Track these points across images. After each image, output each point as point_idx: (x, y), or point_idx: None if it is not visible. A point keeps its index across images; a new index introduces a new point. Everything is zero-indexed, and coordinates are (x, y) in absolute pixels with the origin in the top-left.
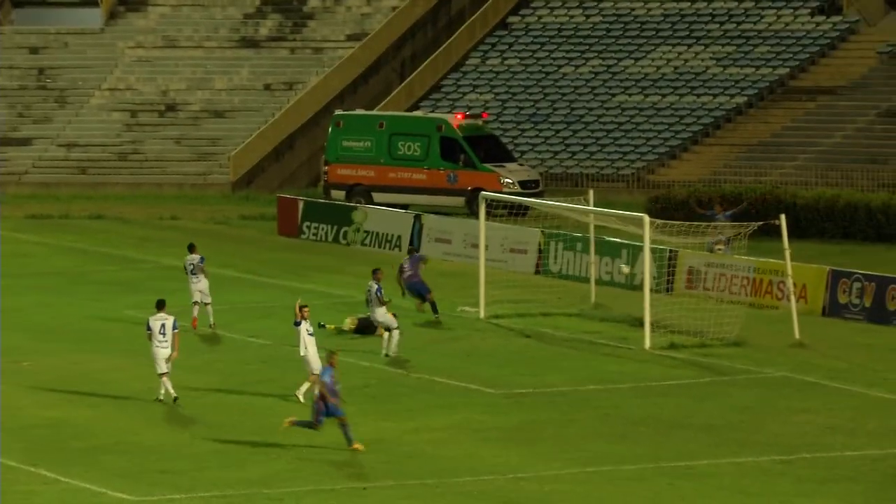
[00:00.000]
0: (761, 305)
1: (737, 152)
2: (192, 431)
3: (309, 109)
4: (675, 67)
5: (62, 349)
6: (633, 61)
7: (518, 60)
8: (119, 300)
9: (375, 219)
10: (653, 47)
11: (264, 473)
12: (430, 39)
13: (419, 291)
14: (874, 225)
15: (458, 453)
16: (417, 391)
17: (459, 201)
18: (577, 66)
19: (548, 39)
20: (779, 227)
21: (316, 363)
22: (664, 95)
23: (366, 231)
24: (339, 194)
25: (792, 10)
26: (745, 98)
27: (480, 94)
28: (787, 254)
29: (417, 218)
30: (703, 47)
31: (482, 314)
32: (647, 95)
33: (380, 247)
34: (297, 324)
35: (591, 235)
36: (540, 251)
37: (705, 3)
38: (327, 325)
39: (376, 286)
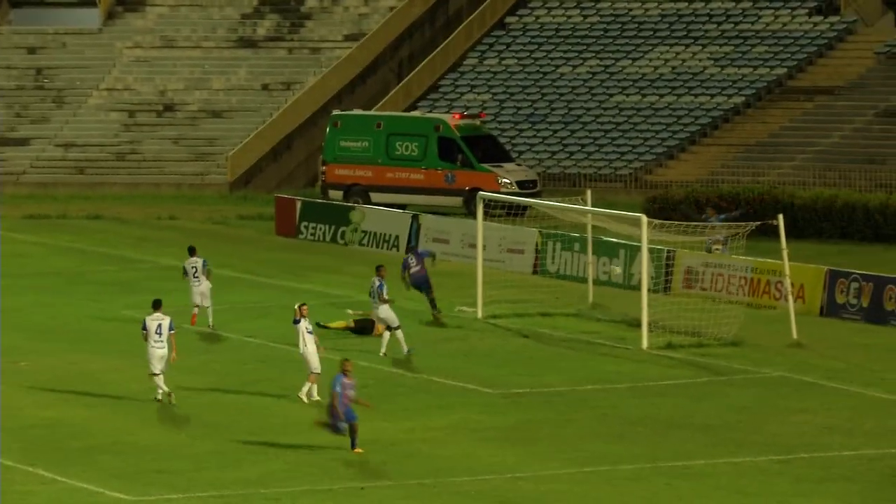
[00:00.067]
0: (759, 305)
1: (734, 152)
2: (189, 431)
3: (307, 109)
4: (673, 68)
5: (60, 349)
6: (630, 61)
7: (516, 61)
8: (117, 300)
9: (373, 219)
10: (650, 47)
11: (261, 473)
12: (427, 39)
13: (424, 286)
14: (872, 225)
15: (456, 453)
16: (415, 391)
17: (457, 201)
18: (574, 67)
19: (545, 40)
20: (776, 227)
21: (315, 361)
22: (662, 96)
23: (363, 231)
24: (336, 194)
25: (789, 11)
26: (743, 98)
27: (478, 94)
28: (785, 254)
29: (415, 218)
30: (700, 47)
31: (480, 314)
32: (644, 96)
33: (377, 247)
34: (297, 322)
35: (589, 235)
36: (537, 251)
37: (703, 4)
38: (330, 325)
39: (378, 282)
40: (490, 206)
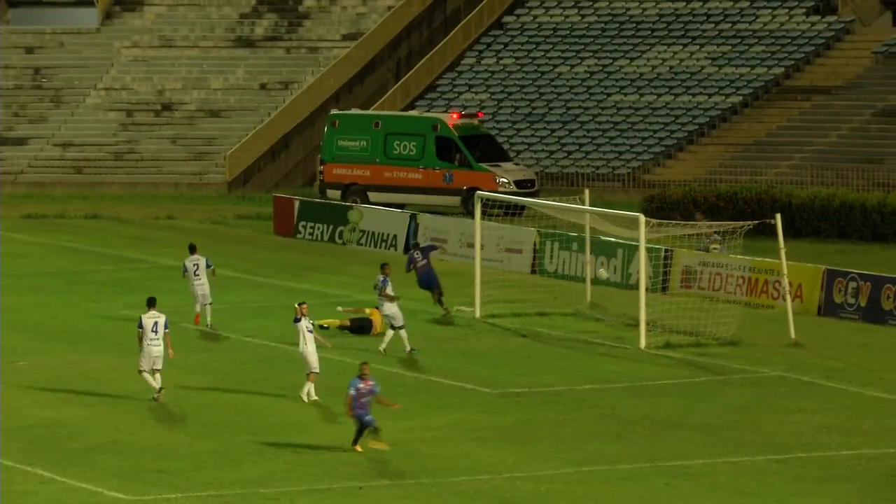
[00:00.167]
0: (757, 305)
1: (732, 152)
2: (188, 431)
3: (305, 109)
4: (671, 67)
5: (59, 349)
6: (628, 61)
7: (513, 60)
8: (115, 300)
9: (371, 218)
10: (648, 47)
11: (260, 473)
12: (425, 39)
13: (432, 283)
14: (869, 224)
15: (455, 453)
16: (414, 391)
17: (455, 201)
18: (572, 66)
19: (543, 39)
20: (774, 227)
21: (314, 361)
22: (660, 95)
23: (361, 230)
24: (334, 194)
25: (787, 10)
26: (741, 97)
27: (476, 93)
28: (783, 253)
29: (413, 217)
30: (698, 47)
31: (478, 314)
32: (642, 95)
33: (375, 246)
34: (297, 320)
35: (587, 235)
36: (535, 251)
37: (700, 3)
38: (327, 324)
39: (383, 279)
40: (488, 205)
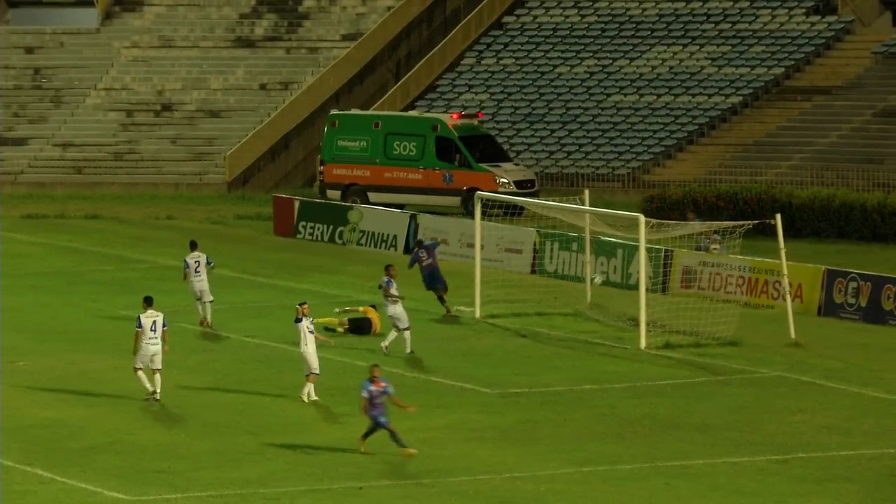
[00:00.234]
0: (757, 305)
1: (732, 152)
2: (188, 431)
3: (304, 109)
4: (671, 67)
5: (59, 349)
6: (628, 61)
7: (513, 60)
8: (115, 300)
9: (371, 219)
10: (648, 47)
11: (260, 473)
12: (425, 39)
13: (437, 281)
14: (870, 225)
15: (454, 453)
16: (414, 391)
17: (455, 201)
18: (572, 66)
19: (543, 39)
20: (774, 227)
21: (314, 361)
22: (659, 95)
23: (361, 231)
24: (334, 194)
25: (787, 10)
26: (741, 98)
27: (476, 93)
28: (783, 253)
29: (413, 218)
30: (698, 47)
31: (478, 314)
32: (642, 95)
33: (376, 246)
34: (298, 320)
35: (587, 235)
36: (535, 251)
37: (700, 3)
38: (338, 328)
39: (387, 280)
40: (488, 205)
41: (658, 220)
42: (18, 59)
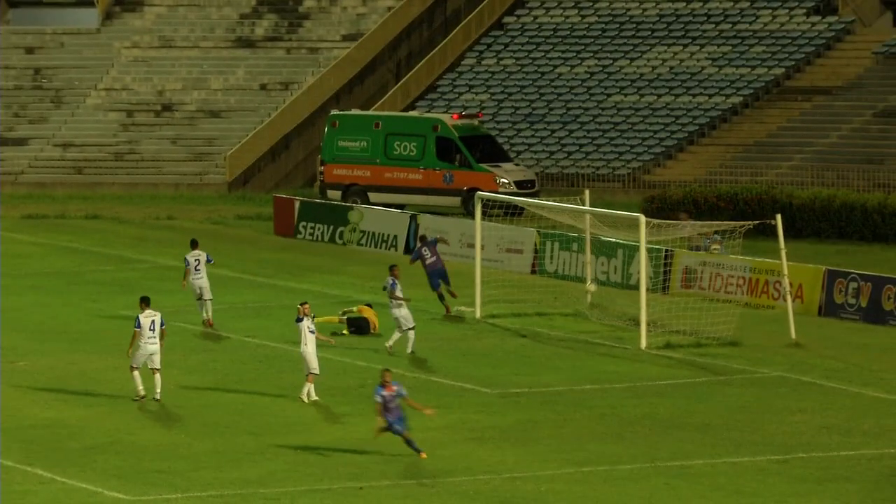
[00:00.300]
0: (757, 305)
1: (733, 152)
2: (188, 431)
3: (305, 109)
4: (671, 67)
5: (59, 349)
6: (628, 61)
7: (514, 60)
8: (115, 300)
9: (371, 219)
10: (648, 47)
11: (260, 473)
12: (425, 39)
13: (442, 279)
14: (870, 225)
15: (454, 453)
16: (414, 391)
17: (455, 201)
18: (572, 66)
19: (543, 39)
20: (775, 227)
21: (314, 362)
22: (660, 95)
23: (362, 231)
24: (335, 194)
25: (787, 10)
26: (741, 98)
27: (476, 94)
28: (783, 254)
29: (413, 218)
30: (698, 47)
31: (478, 314)
32: (642, 95)
33: (376, 247)
34: (299, 320)
35: (587, 235)
36: (536, 251)
37: (701, 3)
38: (345, 331)
39: (392, 281)
40: (488, 205)
41: (658, 221)
42: (19, 59)
